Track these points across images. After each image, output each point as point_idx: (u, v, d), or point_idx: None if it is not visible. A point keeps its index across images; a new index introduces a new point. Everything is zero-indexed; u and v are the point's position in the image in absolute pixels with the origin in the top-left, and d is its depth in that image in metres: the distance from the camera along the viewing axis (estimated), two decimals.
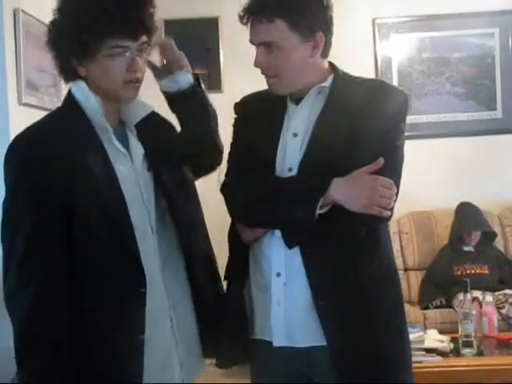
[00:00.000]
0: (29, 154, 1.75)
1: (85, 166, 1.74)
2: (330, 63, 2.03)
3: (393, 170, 1.88)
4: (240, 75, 4.91)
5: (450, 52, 5.29)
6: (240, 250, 1.99)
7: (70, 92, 1.87)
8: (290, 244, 1.88)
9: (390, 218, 1.87)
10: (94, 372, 1.76)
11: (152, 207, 1.89)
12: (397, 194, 1.85)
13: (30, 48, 3.66)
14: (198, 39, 5.24)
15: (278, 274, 1.91)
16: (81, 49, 1.76)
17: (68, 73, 1.85)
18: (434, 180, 5.17)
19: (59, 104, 4.03)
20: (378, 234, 1.97)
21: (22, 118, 3.55)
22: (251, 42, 1.95)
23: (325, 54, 1.97)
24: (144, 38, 1.83)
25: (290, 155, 1.93)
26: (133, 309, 1.78)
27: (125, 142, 1.89)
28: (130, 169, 1.86)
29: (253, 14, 1.90)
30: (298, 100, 1.97)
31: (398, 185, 1.86)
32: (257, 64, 1.94)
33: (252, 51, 1.99)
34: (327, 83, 1.97)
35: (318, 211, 1.81)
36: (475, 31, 5.27)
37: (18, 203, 1.74)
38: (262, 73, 1.97)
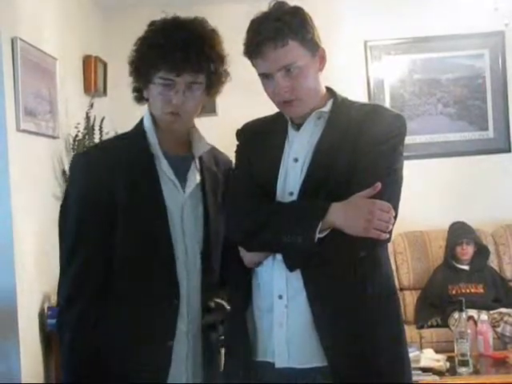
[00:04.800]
0: (84, 168, 2.03)
1: (133, 184, 1.97)
2: (329, 88, 2.07)
3: (391, 193, 1.90)
4: (234, 99, 4.94)
5: (441, 73, 5.36)
6: (242, 274, 2.01)
7: (142, 118, 2.10)
8: (291, 267, 1.90)
9: (388, 240, 1.90)
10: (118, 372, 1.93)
11: (194, 232, 2.05)
12: (395, 217, 1.87)
13: (28, 75, 3.68)
14: None
15: (280, 297, 1.94)
16: (140, 75, 2.03)
17: (138, 94, 2.11)
18: (427, 200, 5.20)
19: (56, 130, 4.07)
20: (378, 255, 1.99)
21: (20, 144, 3.57)
22: (266, 72, 1.94)
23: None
24: (191, 78, 1.96)
25: (290, 180, 1.96)
26: (166, 316, 1.97)
27: (185, 170, 2.08)
28: (177, 195, 2.04)
29: (265, 43, 1.91)
30: (298, 125, 2.01)
31: (396, 207, 1.89)
32: (278, 90, 1.93)
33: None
34: (326, 108, 2.01)
35: (318, 235, 1.84)
36: (466, 52, 5.36)
37: (68, 207, 2.01)
38: (280, 100, 1.96)
